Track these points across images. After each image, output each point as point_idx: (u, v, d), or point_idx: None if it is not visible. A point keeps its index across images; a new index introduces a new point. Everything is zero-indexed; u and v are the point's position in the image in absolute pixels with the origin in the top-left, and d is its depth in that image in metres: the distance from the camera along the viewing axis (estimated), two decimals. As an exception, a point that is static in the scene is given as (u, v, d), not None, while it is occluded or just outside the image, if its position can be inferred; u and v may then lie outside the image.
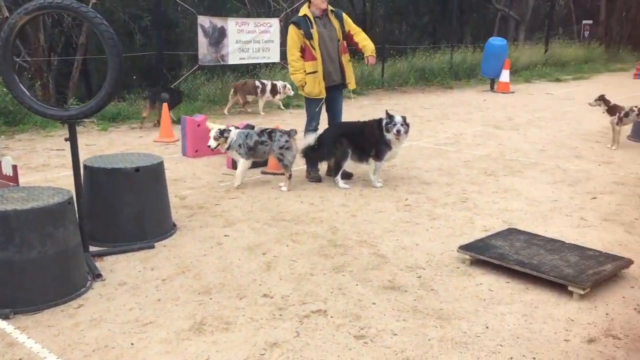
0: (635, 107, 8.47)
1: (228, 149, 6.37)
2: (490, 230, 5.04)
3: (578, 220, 5.41)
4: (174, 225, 5.14)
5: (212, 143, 6.30)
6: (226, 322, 3.49)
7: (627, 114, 8.40)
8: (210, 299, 3.79)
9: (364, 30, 7.72)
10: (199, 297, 3.81)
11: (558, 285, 3.92)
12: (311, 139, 6.50)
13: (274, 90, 11.76)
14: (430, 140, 9.29)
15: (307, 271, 4.24)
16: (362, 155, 6.50)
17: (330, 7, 6.68)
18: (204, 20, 12.03)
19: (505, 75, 15.63)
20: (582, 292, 3.78)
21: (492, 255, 4.29)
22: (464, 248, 4.44)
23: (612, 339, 3.33)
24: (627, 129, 9.28)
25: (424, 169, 7.35)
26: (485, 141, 9.17)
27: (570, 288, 3.83)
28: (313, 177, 6.80)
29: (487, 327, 3.45)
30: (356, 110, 12.18)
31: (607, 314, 3.63)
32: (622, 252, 4.58)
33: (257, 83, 11.63)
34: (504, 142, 9.06)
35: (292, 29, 6.54)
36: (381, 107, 12.27)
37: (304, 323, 3.48)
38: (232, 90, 11.65)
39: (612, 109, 8.49)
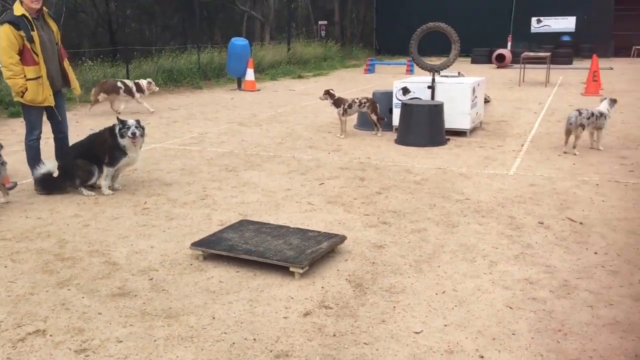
0: (357, 99, 9.45)
1: None
2: (226, 224, 5.20)
3: (306, 205, 5.87)
4: None
5: None
6: None
7: (350, 106, 9.34)
8: None
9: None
10: None
11: (282, 268, 4.21)
12: (45, 169, 6.15)
13: (139, 89, 11.98)
14: (175, 141, 9.25)
15: (27, 291, 3.93)
16: (102, 166, 6.29)
17: (45, 9, 6.23)
18: None
19: (250, 74, 16.23)
20: (301, 271, 4.12)
21: (222, 247, 4.44)
22: (196, 244, 4.52)
23: (325, 309, 3.69)
24: (354, 118, 10.32)
25: (167, 170, 7.30)
26: (229, 138, 9.43)
27: (291, 269, 4.15)
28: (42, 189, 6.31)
29: (214, 318, 3.57)
30: (99, 115, 11.61)
31: (322, 288, 4.00)
32: (341, 229, 5.09)
33: (119, 84, 11.81)
34: (247, 138, 9.42)
35: (8, 28, 5.90)
36: (127, 111, 11.86)
37: (17, 347, 3.22)
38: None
39: (337, 102, 9.35)
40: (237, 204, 5.91)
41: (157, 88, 12.70)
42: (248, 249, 4.38)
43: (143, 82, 12.17)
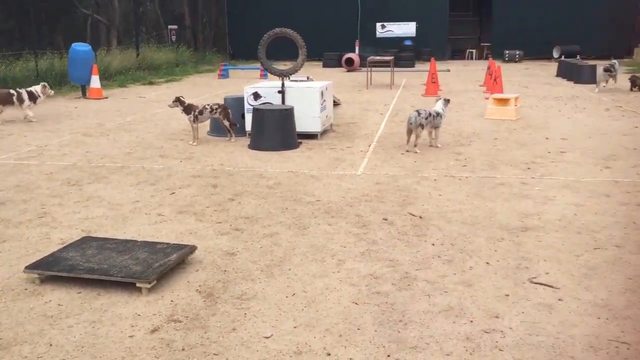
0: (208, 105, 9.33)
1: None
2: (67, 243, 4.88)
3: (156, 216, 5.69)
4: None
5: None
6: None
7: (201, 112, 9.19)
8: None
9: None
10: None
11: (129, 284, 4.04)
12: None
13: (32, 97, 11.40)
14: (10, 155, 8.52)
15: None
16: None
17: None
18: None
19: (95, 81, 15.40)
20: (148, 286, 3.98)
21: (62, 268, 4.16)
22: (31, 267, 4.20)
23: (174, 323, 3.59)
24: (207, 125, 10.17)
25: (-1, 188, 6.71)
26: (72, 150, 8.87)
27: (138, 284, 4.00)
28: None
29: (51, 345, 3.34)
30: None
31: (172, 301, 3.90)
32: (192, 239, 4.99)
33: (12, 91, 11.26)
34: (92, 149, 8.92)
35: None
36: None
37: None
38: None
39: (187, 109, 9.17)
40: (80, 220, 5.57)
41: (53, 92, 12.10)
42: (90, 267, 4.15)
43: (37, 89, 11.53)
